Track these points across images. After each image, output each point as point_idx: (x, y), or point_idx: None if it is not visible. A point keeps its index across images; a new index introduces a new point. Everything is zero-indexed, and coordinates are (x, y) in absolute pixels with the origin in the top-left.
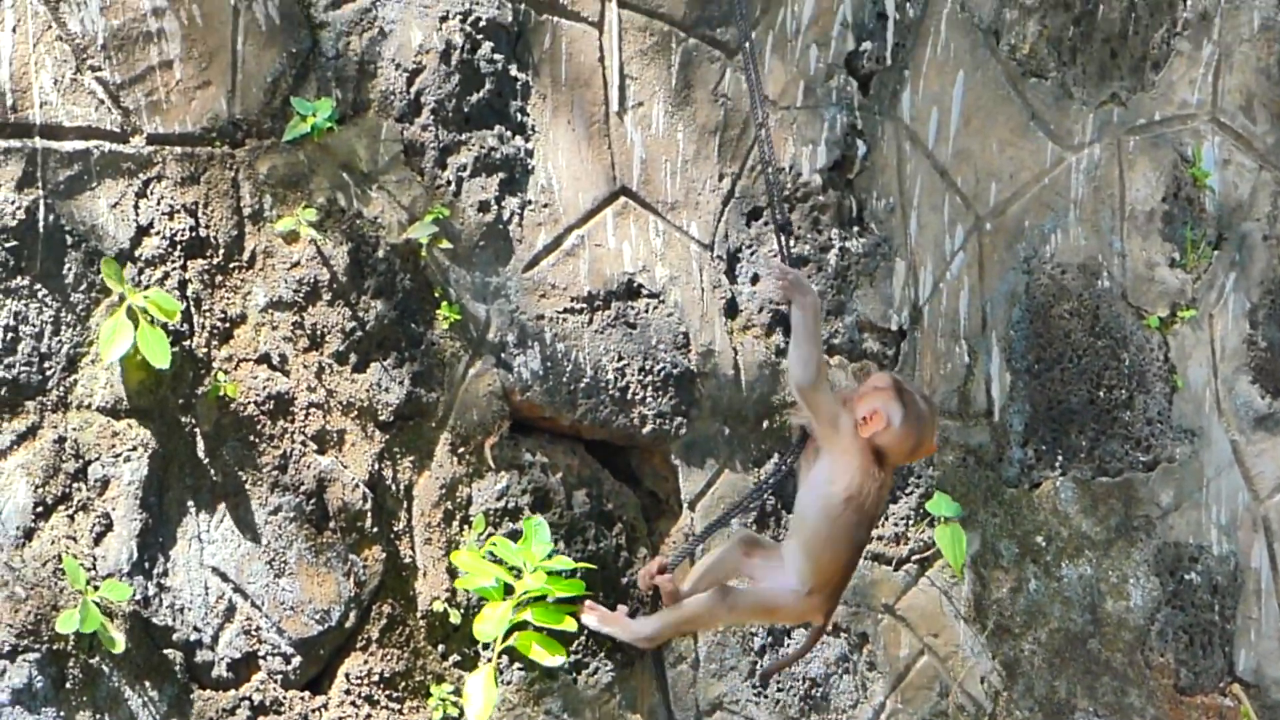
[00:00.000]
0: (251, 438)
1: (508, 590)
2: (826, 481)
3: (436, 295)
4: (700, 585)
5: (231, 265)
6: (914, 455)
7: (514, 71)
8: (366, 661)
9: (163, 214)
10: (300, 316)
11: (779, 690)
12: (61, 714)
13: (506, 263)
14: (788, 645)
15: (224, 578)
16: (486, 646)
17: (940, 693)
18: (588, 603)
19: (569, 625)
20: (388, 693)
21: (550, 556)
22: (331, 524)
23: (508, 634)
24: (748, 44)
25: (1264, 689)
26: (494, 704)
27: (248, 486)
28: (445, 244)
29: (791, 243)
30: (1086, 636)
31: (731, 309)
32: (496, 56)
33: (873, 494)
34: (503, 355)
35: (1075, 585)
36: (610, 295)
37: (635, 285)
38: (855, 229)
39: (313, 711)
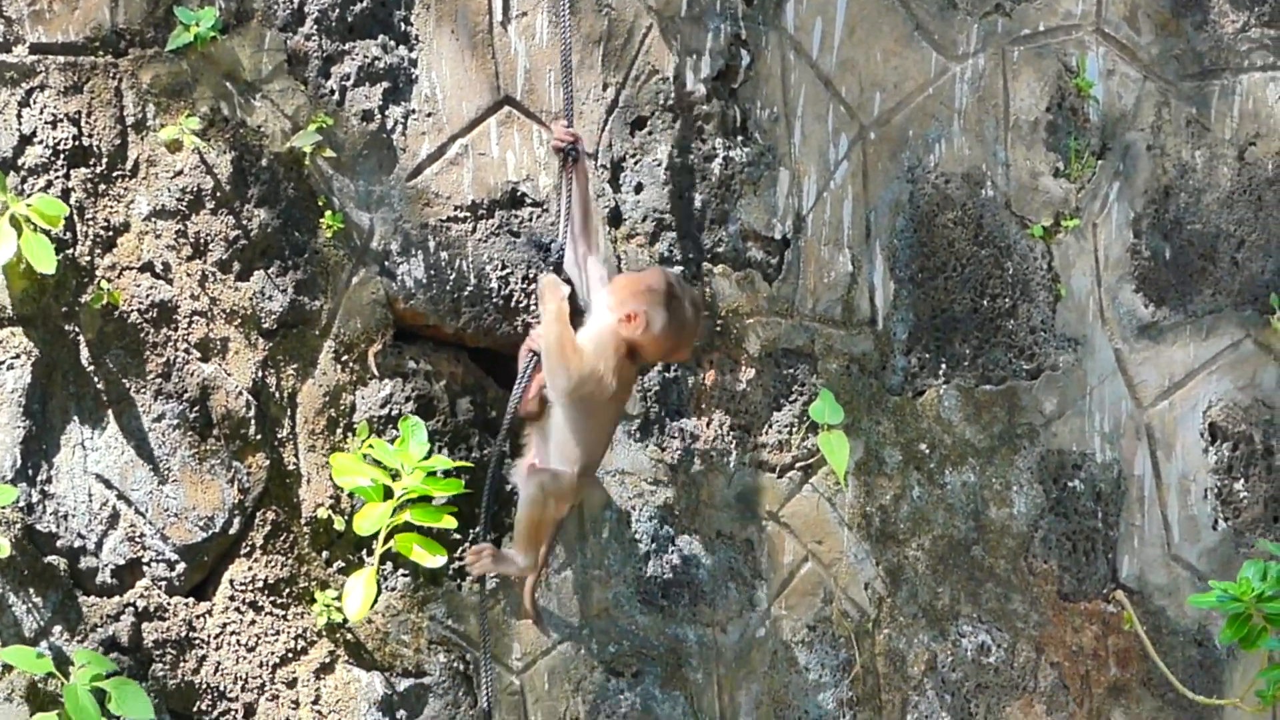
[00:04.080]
0: (135, 345)
1: (388, 494)
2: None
3: (320, 204)
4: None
5: (115, 174)
6: (667, 358)
7: None
8: (251, 568)
9: (45, 123)
10: (183, 225)
11: (663, 598)
12: None
13: (390, 171)
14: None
15: (108, 485)
16: (370, 552)
17: (824, 599)
18: (470, 552)
19: (449, 524)
20: (272, 599)
21: (428, 457)
22: (215, 431)
23: (389, 537)
24: None
25: (1147, 595)
26: (372, 603)
27: (131, 394)
28: (329, 153)
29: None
30: (970, 543)
31: (615, 218)
32: None
33: (626, 380)
34: (386, 263)
35: (959, 492)
36: (494, 204)
37: (519, 194)
38: (739, 138)
39: (197, 618)
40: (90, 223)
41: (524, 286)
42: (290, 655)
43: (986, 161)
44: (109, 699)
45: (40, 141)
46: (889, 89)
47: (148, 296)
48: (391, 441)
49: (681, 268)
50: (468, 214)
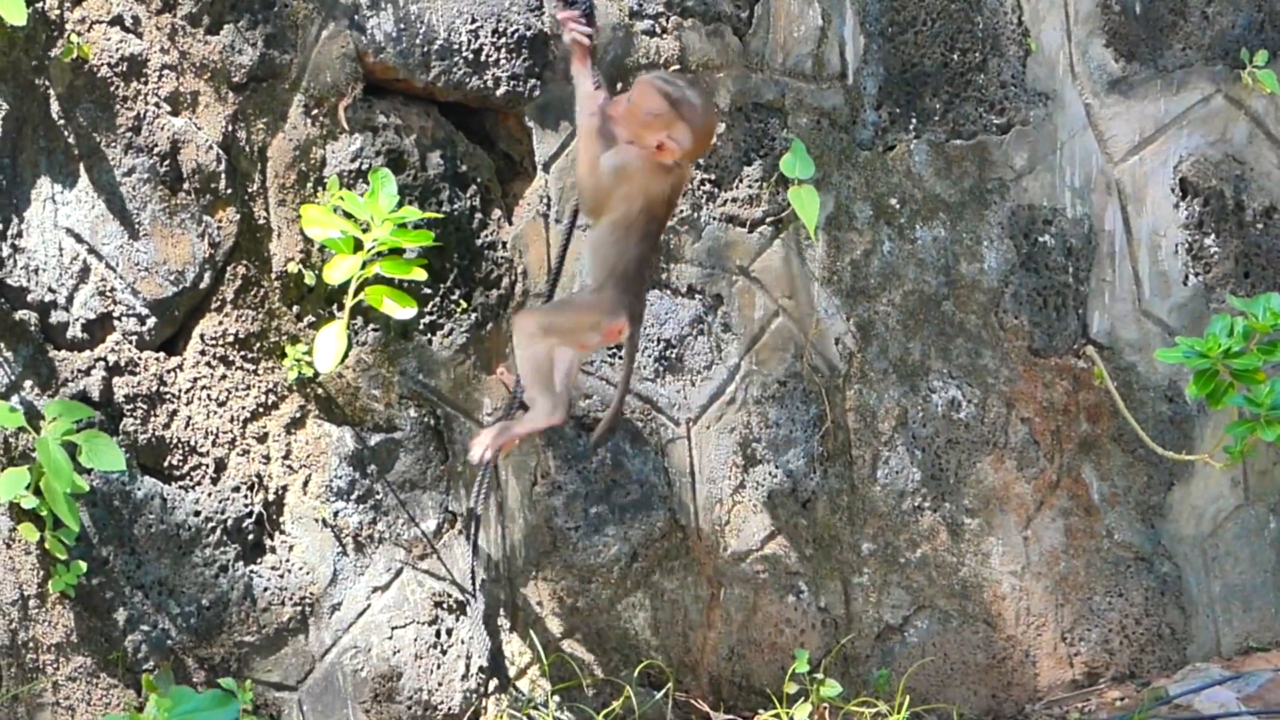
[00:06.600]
0: (105, 99)
1: (358, 246)
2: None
3: None
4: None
5: None
6: (703, 153)
7: None
8: (221, 322)
9: None
10: None
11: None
12: None
13: None
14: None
15: (78, 239)
16: (341, 306)
17: (795, 354)
18: (476, 440)
19: (419, 276)
20: (242, 353)
21: (398, 209)
22: (185, 185)
23: (359, 291)
24: None
25: (1117, 351)
26: (342, 355)
27: (102, 148)
28: None
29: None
30: (940, 299)
31: None
32: None
33: (663, 193)
34: (356, 17)
35: (929, 247)
36: None
37: None
38: None
39: (168, 372)
40: None
41: (493, 40)
42: (261, 410)
43: None
44: (80, 451)
45: None
46: None
47: (117, 50)
48: (362, 195)
49: (650, 21)
50: None
